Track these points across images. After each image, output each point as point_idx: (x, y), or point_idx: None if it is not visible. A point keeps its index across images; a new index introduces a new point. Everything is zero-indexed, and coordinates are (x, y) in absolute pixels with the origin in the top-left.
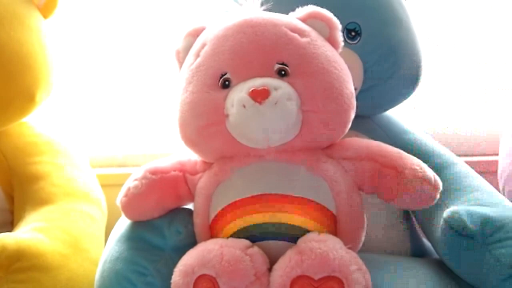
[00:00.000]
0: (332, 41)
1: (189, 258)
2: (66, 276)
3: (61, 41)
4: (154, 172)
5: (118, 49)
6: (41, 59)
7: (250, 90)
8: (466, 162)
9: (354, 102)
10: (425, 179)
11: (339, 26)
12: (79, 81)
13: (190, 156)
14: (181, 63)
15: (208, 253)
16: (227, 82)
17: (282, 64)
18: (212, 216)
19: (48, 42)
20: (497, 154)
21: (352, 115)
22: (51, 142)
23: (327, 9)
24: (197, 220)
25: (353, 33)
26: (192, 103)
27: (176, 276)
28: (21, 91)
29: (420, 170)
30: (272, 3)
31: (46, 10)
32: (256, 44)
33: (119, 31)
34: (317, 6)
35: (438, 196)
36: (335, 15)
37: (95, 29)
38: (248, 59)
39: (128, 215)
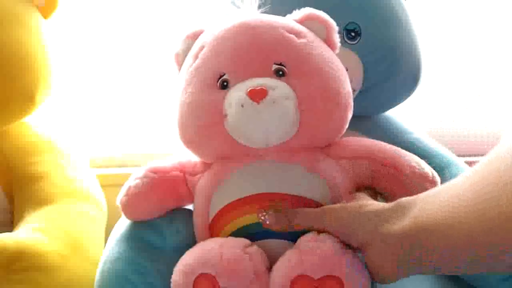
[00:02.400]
0: (329, 43)
1: (189, 257)
2: (66, 276)
3: (61, 41)
4: (155, 171)
5: (117, 49)
6: (41, 59)
7: (248, 90)
8: (466, 162)
9: (351, 102)
10: (423, 176)
11: (335, 27)
12: (79, 81)
13: (190, 157)
14: (180, 65)
15: (208, 252)
16: (225, 83)
17: (280, 64)
18: (212, 216)
19: (48, 42)
20: None
21: (350, 115)
22: (51, 142)
23: (327, 9)
24: (197, 220)
25: (352, 33)
26: (191, 104)
27: (176, 275)
28: (20, 92)
29: (418, 167)
30: (269, 5)
31: (46, 10)
32: (254, 46)
33: (118, 31)
34: (316, 6)
35: None
36: (334, 15)
37: (95, 29)
38: (246, 60)
39: (128, 215)
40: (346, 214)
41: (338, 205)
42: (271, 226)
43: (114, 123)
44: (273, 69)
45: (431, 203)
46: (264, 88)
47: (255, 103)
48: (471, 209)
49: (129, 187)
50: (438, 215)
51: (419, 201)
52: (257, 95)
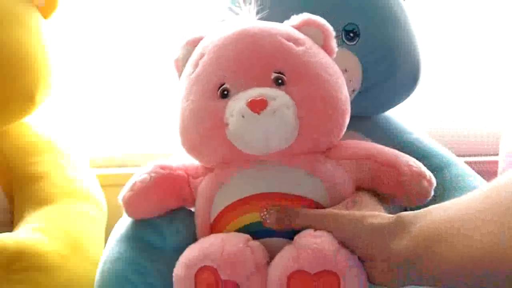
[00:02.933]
0: (326, 48)
1: (191, 251)
2: (66, 276)
3: (61, 41)
4: (163, 168)
5: (117, 49)
6: (40, 59)
7: (249, 100)
8: (466, 162)
9: (349, 107)
10: (422, 175)
11: (333, 33)
12: (79, 81)
13: (192, 160)
14: (180, 71)
15: (210, 246)
16: (225, 92)
17: (279, 73)
18: (213, 217)
19: (48, 42)
20: (497, 154)
21: (347, 120)
22: (51, 142)
23: (326, 10)
24: (198, 221)
25: (351, 34)
26: (193, 111)
27: (178, 268)
28: (20, 92)
29: (416, 167)
30: (268, 8)
31: (46, 10)
32: (253, 54)
33: (118, 31)
34: (315, 7)
35: (433, 192)
36: (333, 16)
37: (95, 29)
38: (245, 69)
39: (129, 211)
40: (347, 222)
41: (340, 211)
42: (271, 225)
43: (114, 123)
44: (272, 77)
45: (433, 221)
46: (264, 98)
47: (255, 113)
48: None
49: (135, 182)
50: (441, 235)
51: (420, 218)
52: (257, 105)
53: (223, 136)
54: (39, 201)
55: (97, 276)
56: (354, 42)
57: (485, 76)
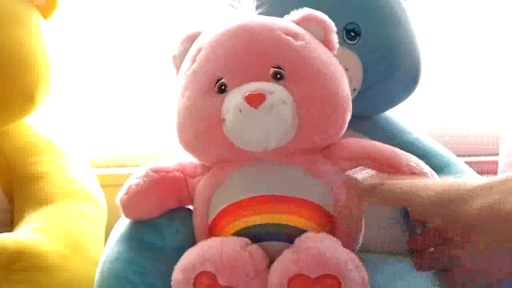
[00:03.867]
0: (327, 44)
1: (189, 256)
2: (66, 276)
3: (61, 41)
4: (156, 171)
5: (117, 49)
6: (40, 59)
7: (246, 95)
8: (466, 162)
9: (350, 104)
10: (422, 174)
11: (334, 28)
12: (79, 81)
13: (190, 158)
14: (177, 68)
15: (208, 250)
16: (223, 87)
17: (278, 67)
18: (211, 217)
19: (48, 42)
20: (497, 154)
21: (348, 117)
22: (51, 142)
23: (326, 9)
24: (197, 221)
25: (352, 34)
26: (189, 108)
27: (176, 273)
28: (20, 92)
29: (416, 167)
30: (267, 5)
31: (46, 10)
32: (251, 49)
33: (118, 31)
34: (316, 6)
35: None
36: (334, 15)
37: (95, 29)
38: (243, 64)
39: (127, 214)
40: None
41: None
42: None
43: (114, 123)
44: (270, 72)
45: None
46: (261, 92)
47: (252, 108)
48: None
49: (130, 185)
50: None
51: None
52: (254, 100)
53: (220, 133)
54: (39, 201)
55: (97, 276)
56: (355, 42)
57: (485, 76)
